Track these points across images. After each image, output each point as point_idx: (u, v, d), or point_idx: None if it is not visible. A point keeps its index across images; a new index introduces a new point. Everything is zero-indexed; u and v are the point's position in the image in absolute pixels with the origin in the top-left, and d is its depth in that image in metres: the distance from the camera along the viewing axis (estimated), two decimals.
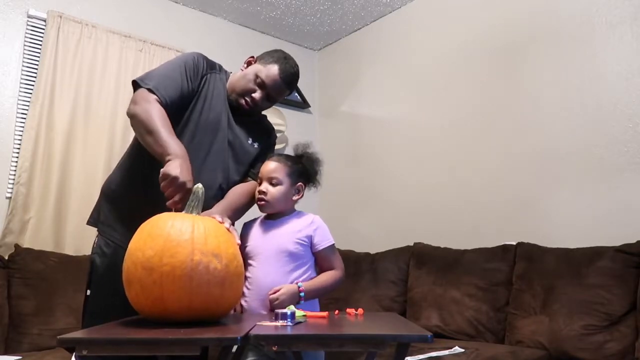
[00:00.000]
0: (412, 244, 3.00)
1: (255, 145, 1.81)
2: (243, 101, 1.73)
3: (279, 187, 1.66)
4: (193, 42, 3.46)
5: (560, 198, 2.58)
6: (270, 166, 1.67)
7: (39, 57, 2.90)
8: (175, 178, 1.37)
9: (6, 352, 2.28)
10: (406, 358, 1.65)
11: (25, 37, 2.91)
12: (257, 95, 1.72)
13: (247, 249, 1.66)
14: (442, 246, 2.86)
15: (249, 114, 1.78)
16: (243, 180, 1.79)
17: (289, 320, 1.25)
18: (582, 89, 2.56)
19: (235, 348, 1.30)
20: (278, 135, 3.76)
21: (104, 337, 1.05)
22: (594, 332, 2.08)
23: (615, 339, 2.04)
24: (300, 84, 4.08)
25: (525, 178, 2.74)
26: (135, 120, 1.55)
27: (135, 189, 1.64)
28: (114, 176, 1.73)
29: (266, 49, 4.30)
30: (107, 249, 1.63)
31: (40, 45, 2.92)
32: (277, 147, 3.87)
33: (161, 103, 1.56)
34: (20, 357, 2.15)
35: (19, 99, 2.85)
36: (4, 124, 2.79)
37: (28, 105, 2.83)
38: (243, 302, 1.63)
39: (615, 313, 2.08)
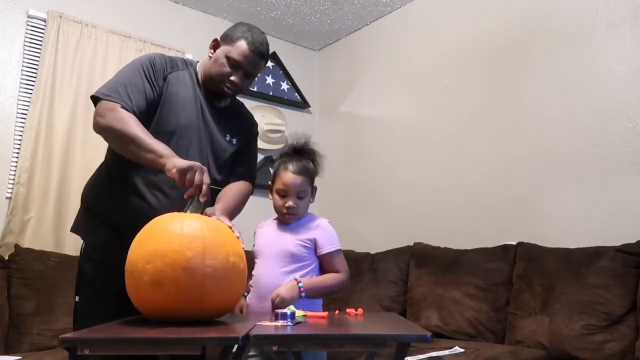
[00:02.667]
0: (412, 244, 3.00)
1: (234, 141, 1.76)
2: (224, 87, 1.67)
3: (305, 199, 1.68)
4: (193, 42, 3.46)
5: (560, 198, 2.58)
6: (298, 181, 1.65)
7: (39, 57, 2.90)
8: (191, 167, 1.36)
9: (6, 352, 2.28)
10: (406, 358, 1.65)
11: (25, 37, 2.92)
12: (235, 77, 1.66)
13: (255, 247, 1.71)
14: (442, 246, 2.86)
15: (231, 97, 1.74)
16: (227, 178, 1.76)
17: (289, 320, 1.25)
18: (582, 89, 2.56)
19: (235, 348, 1.30)
20: (278, 135, 3.81)
21: (106, 337, 1.05)
22: (594, 332, 2.08)
23: (615, 339, 2.04)
24: (300, 84, 4.11)
25: (525, 178, 2.74)
26: (109, 133, 1.50)
27: (117, 194, 1.60)
28: (94, 183, 1.69)
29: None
30: (93, 254, 1.61)
31: (40, 45, 2.93)
32: (277, 147, 3.92)
33: (128, 110, 1.51)
34: (20, 357, 2.15)
35: (19, 99, 2.85)
36: (4, 124, 2.80)
37: (28, 105, 2.83)
38: (248, 301, 1.66)
39: (615, 313, 2.08)
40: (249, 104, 3.73)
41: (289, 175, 1.65)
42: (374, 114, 3.73)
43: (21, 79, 2.87)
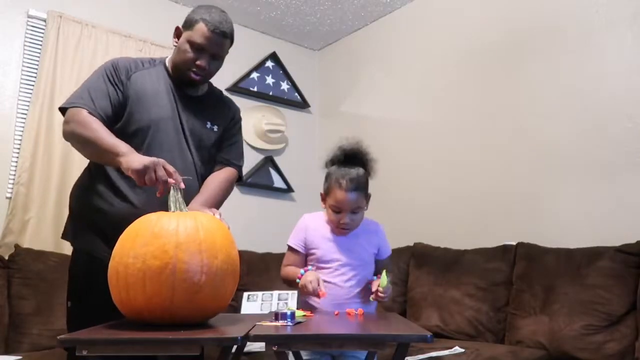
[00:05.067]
0: (412, 244, 3.00)
1: (215, 128, 1.74)
2: (192, 74, 1.64)
3: (360, 213, 1.68)
4: None
5: (560, 198, 2.58)
6: (352, 198, 1.63)
7: (39, 57, 2.90)
8: (146, 166, 1.35)
9: (6, 352, 2.28)
10: (406, 358, 1.66)
11: (25, 37, 2.92)
12: (201, 61, 1.63)
13: (320, 253, 1.69)
14: (442, 246, 2.86)
15: (203, 82, 1.71)
16: (212, 165, 1.75)
17: (289, 320, 1.25)
18: (582, 89, 2.56)
19: (235, 348, 1.30)
20: (278, 135, 3.81)
21: (105, 337, 1.05)
22: (594, 332, 2.08)
23: (615, 339, 2.04)
24: (300, 84, 4.11)
25: (526, 178, 2.74)
26: (73, 139, 1.52)
27: (101, 198, 1.59)
28: (78, 188, 1.68)
29: (266, 48, 4.28)
30: (83, 259, 1.61)
31: (40, 45, 2.93)
32: (277, 147, 3.91)
33: (94, 115, 1.52)
34: (20, 357, 2.15)
35: (19, 99, 2.86)
36: (4, 124, 2.80)
37: (28, 105, 2.83)
38: (314, 303, 1.64)
39: (615, 313, 2.08)
40: (249, 104, 3.78)
41: (343, 194, 1.63)
42: (374, 114, 3.72)
43: (21, 78, 2.88)
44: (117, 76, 1.61)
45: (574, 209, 2.52)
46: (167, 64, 1.73)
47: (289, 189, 3.89)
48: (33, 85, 2.86)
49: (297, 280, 1.62)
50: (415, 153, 3.36)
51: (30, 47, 2.93)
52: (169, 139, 1.63)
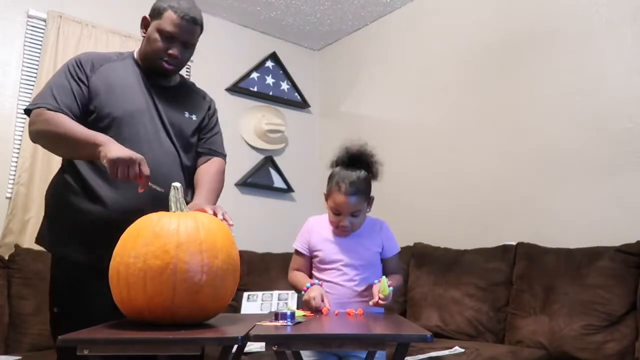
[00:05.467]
0: (412, 244, 3.00)
1: (193, 117, 1.72)
2: (165, 63, 1.61)
3: (361, 216, 1.68)
4: None
5: (560, 198, 2.58)
6: (351, 202, 1.62)
7: (39, 57, 2.90)
8: (128, 158, 1.34)
9: (6, 352, 2.28)
10: (406, 358, 1.66)
11: (25, 37, 2.92)
12: (173, 50, 1.59)
13: (323, 254, 1.70)
14: (442, 246, 2.86)
15: (175, 72, 1.68)
16: (193, 155, 1.72)
17: (289, 320, 1.25)
18: (582, 89, 2.56)
19: (235, 348, 1.30)
20: (278, 135, 3.81)
21: (105, 337, 1.05)
22: (594, 332, 2.08)
23: (615, 339, 2.04)
24: (300, 84, 4.11)
25: (526, 178, 2.74)
26: (42, 138, 1.49)
27: (76, 201, 1.55)
28: (52, 190, 1.64)
29: (266, 49, 4.28)
30: (65, 267, 1.60)
31: (40, 45, 2.93)
32: (277, 147, 3.90)
33: (58, 112, 1.49)
34: (20, 357, 2.15)
35: (19, 99, 2.86)
36: (4, 124, 2.80)
37: None
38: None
39: (615, 313, 2.08)
40: (249, 104, 3.78)
41: (341, 198, 1.62)
42: (374, 114, 3.73)
43: (21, 79, 2.88)
44: (81, 71, 1.57)
45: (574, 209, 2.52)
46: (135, 57, 1.70)
47: (289, 189, 3.89)
48: (33, 85, 2.86)
49: (302, 292, 1.63)
50: (415, 153, 3.36)
51: (30, 47, 2.93)
52: (145, 130, 1.59)
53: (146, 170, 1.37)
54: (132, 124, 1.57)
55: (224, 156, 1.81)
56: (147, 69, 1.65)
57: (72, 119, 1.50)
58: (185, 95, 1.75)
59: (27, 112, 1.54)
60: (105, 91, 1.57)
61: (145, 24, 1.66)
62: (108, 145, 1.38)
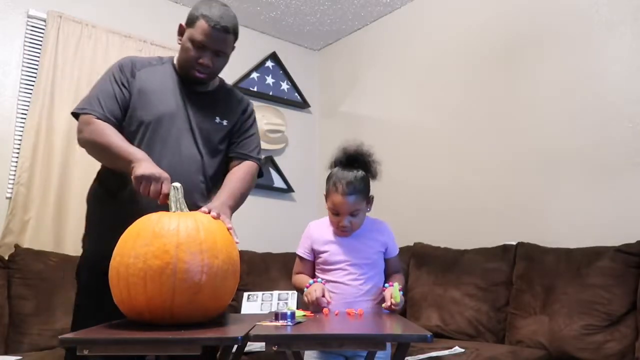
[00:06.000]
0: (412, 244, 3.00)
1: (224, 122, 1.73)
2: (195, 72, 1.64)
3: (360, 215, 1.69)
4: None
5: (560, 198, 2.58)
6: (349, 201, 1.64)
7: (39, 57, 2.90)
8: (152, 175, 1.38)
9: (6, 352, 2.28)
10: (406, 358, 1.66)
11: (25, 37, 2.92)
12: (204, 59, 1.62)
13: (326, 255, 1.70)
14: (442, 246, 2.86)
15: (208, 80, 1.71)
16: (222, 161, 1.74)
17: (289, 320, 1.25)
18: (582, 89, 2.56)
19: (235, 348, 1.30)
20: (278, 135, 3.81)
21: (105, 337, 1.05)
22: (594, 332, 2.08)
23: (615, 339, 2.04)
24: (300, 84, 4.11)
25: (526, 178, 2.74)
26: (88, 146, 1.55)
27: (114, 201, 1.61)
28: (91, 192, 1.71)
29: (266, 49, 4.27)
30: (91, 261, 1.61)
31: (40, 45, 2.93)
32: (277, 147, 3.90)
33: (104, 120, 1.55)
34: (20, 357, 2.15)
35: (19, 99, 2.85)
36: (4, 124, 2.80)
37: (28, 105, 2.83)
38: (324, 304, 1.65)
39: (615, 313, 2.08)
40: None
41: (338, 198, 1.64)
42: (374, 114, 3.73)
43: (21, 79, 2.87)
44: (123, 76, 1.63)
45: (574, 209, 2.52)
46: (174, 62, 1.74)
47: (289, 189, 3.89)
48: (33, 85, 2.86)
49: (305, 289, 1.65)
50: (415, 153, 3.36)
51: (30, 47, 2.93)
52: (171, 135, 1.62)
53: (165, 189, 1.40)
54: (159, 128, 1.61)
55: (256, 159, 1.78)
56: (182, 75, 1.69)
57: (116, 125, 1.57)
58: (220, 100, 1.76)
59: (75, 115, 1.60)
60: (138, 95, 1.63)
61: (180, 31, 1.69)
62: (139, 162, 1.43)
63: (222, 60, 1.68)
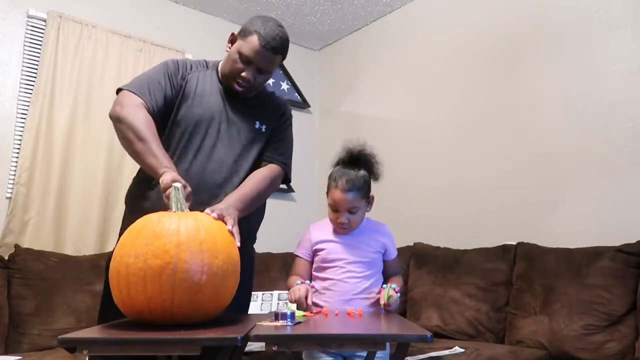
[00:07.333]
0: (412, 244, 3.00)
1: (263, 128, 1.73)
2: (235, 84, 1.65)
3: (359, 213, 1.71)
4: (193, 42, 3.46)
5: (560, 198, 2.58)
6: (347, 198, 1.66)
7: (39, 57, 2.90)
8: (169, 187, 1.37)
9: (6, 352, 2.28)
10: (406, 358, 1.66)
11: (25, 37, 2.91)
12: (246, 74, 1.62)
13: (325, 253, 1.73)
14: (442, 246, 2.86)
15: (247, 94, 1.71)
16: (258, 163, 1.74)
17: (289, 320, 1.25)
18: (582, 89, 2.56)
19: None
20: None
21: (105, 337, 1.05)
22: (594, 332, 2.08)
23: (615, 339, 2.04)
24: (300, 84, 4.11)
25: (526, 178, 2.74)
26: (122, 124, 1.52)
27: (151, 196, 1.61)
28: (132, 186, 1.72)
29: None
30: None
31: (40, 45, 2.92)
32: None
33: (148, 109, 1.55)
34: (20, 357, 2.15)
35: (19, 99, 2.85)
36: (4, 124, 2.79)
37: (28, 105, 2.83)
38: (322, 302, 1.68)
39: (615, 313, 2.08)
40: None
41: (338, 194, 1.67)
42: (374, 114, 3.73)
43: (21, 79, 2.87)
44: (174, 74, 1.65)
45: (574, 209, 2.52)
46: (218, 68, 1.74)
47: (289, 189, 3.88)
48: (33, 85, 2.86)
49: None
50: (415, 153, 3.36)
51: (30, 47, 2.92)
52: (208, 139, 1.63)
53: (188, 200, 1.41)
54: (197, 132, 1.63)
55: (281, 164, 1.76)
56: (223, 83, 1.70)
57: (155, 115, 1.56)
58: (260, 105, 1.76)
59: (119, 91, 1.59)
60: (182, 98, 1.64)
61: (232, 39, 1.69)
62: (167, 171, 1.43)
63: (264, 77, 1.69)
